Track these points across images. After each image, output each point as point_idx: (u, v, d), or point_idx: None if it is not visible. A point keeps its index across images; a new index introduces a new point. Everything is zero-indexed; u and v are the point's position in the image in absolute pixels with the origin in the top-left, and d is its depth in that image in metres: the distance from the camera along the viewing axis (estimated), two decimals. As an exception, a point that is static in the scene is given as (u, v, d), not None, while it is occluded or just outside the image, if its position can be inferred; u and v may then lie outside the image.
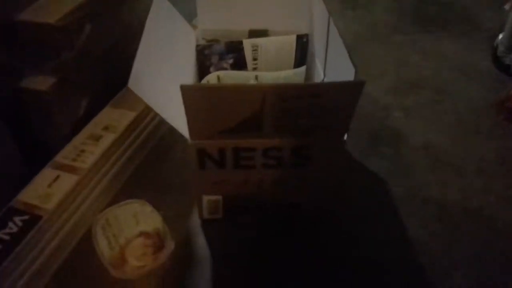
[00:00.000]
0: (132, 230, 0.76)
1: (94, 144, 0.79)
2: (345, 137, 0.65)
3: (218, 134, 0.63)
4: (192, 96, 0.55)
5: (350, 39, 1.37)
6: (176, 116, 0.63)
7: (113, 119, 0.84)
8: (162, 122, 0.96)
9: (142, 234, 0.76)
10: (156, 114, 0.90)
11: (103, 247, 0.73)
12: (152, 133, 0.92)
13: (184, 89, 0.53)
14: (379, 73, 1.22)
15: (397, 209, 0.83)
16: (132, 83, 0.55)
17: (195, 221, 0.81)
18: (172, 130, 0.96)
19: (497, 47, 1.30)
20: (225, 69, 0.88)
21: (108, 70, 0.88)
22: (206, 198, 0.75)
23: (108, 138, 0.80)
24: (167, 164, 0.92)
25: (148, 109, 0.90)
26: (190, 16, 0.93)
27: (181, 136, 0.64)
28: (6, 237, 0.62)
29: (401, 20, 1.50)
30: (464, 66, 1.28)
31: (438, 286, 0.71)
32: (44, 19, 0.69)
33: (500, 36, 1.30)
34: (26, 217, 0.66)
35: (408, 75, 1.22)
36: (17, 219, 0.65)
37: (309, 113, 0.60)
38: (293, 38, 0.89)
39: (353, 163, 0.93)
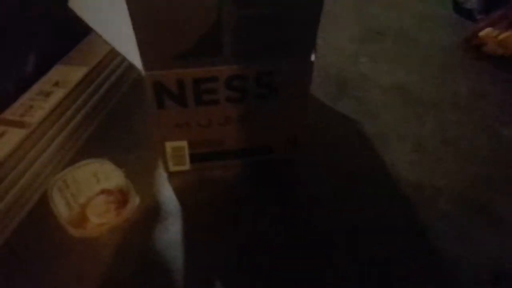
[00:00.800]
0: (92, 188, 0.70)
1: (43, 100, 0.72)
2: (313, 57, 0.61)
3: (174, 61, 0.58)
4: (140, 3, 0.49)
5: None
6: (126, 46, 0.57)
7: (64, 75, 0.78)
8: (122, 78, 0.90)
9: (104, 191, 0.70)
10: (113, 70, 0.85)
11: (61, 207, 0.67)
12: (109, 90, 0.86)
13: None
14: (340, 26, 1.20)
15: (372, 145, 0.80)
16: (72, 2, 0.50)
17: (161, 175, 0.75)
18: (132, 87, 0.91)
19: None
20: None
21: (61, 23, 0.81)
22: (169, 145, 0.70)
23: (59, 93, 0.74)
24: (128, 121, 0.86)
25: (102, 64, 0.84)
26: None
27: (140, 92, 0.59)
28: None
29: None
30: (425, 15, 1.27)
31: (424, 213, 0.68)
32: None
33: (458, -20, 1.30)
34: (-34, 174, 0.59)
35: (370, 24, 1.21)
36: (-43, 176, 0.58)
37: (272, 22, 0.55)
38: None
39: (322, 107, 0.90)
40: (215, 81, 0.61)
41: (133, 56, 0.58)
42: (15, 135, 0.65)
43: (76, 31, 0.86)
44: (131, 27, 0.52)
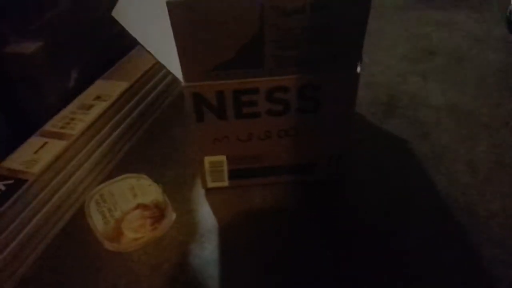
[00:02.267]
0: (128, 203, 0.69)
1: (84, 113, 0.73)
2: (358, 69, 0.58)
3: (215, 72, 0.56)
4: (181, 15, 0.48)
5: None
6: (168, 57, 0.57)
7: (105, 89, 0.79)
8: (163, 94, 0.91)
9: (140, 206, 0.68)
10: (155, 86, 0.86)
11: (97, 221, 0.66)
12: (150, 105, 0.86)
13: (171, 4, 0.47)
14: (391, 44, 1.16)
15: (423, 166, 0.74)
16: (116, 12, 0.50)
17: (199, 191, 0.73)
18: (172, 104, 0.91)
19: (511, 14, 1.23)
20: None
21: (103, 40, 0.83)
22: (208, 160, 0.67)
23: (100, 106, 0.74)
24: (167, 138, 0.85)
25: (144, 80, 0.84)
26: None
27: (181, 109, 0.58)
28: (-14, 202, 0.56)
29: (405, 1, 1.45)
30: (478, 35, 1.20)
31: (477, 238, 0.61)
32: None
33: (514, 1, 1.24)
34: (10, 181, 0.59)
35: (421, 44, 1.15)
36: (1, 183, 0.59)
37: (315, 34, 0.53)
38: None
39: (370, 126, 0.85)
40: (256, 93, 0.59)
41: (175, 67, 0.57)
42: (55, 147, 0.65)
43: (119, 48, 0.88)
44: (173, 37, 0.52)
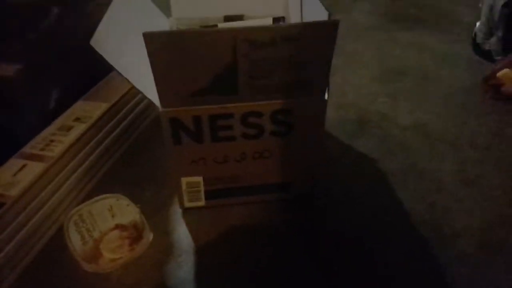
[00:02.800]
0: (107, 223, 0.70)
1: (64, 134, 0.74)
2: (326, 96, 0.62)
3: (191, 98, 0.59)
4: (157, 46, 0.51)
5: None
6: (145, 84, 0.59)
7: (85, 111, 0.80)
8: (141, 116, 0.92)
9: (118, 226, 0.70)
10: (133, 108, 0.87)
11: (76, 242, 0.67)
12: (129, 126, 0.88)
13: (147, 36, 0.50)
14: (362, 65, 1.21)
15: (391, 184, 0.78)
16: (94, 41, 0.52)
17: (176, 211, 0.75)
18: (151, 124, 0.93)
19: (476, 35, 1.30)
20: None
21: (83, 63, 0.85)
22: (185, 181, 0.70)
23: (79, 128, 0.75)
24: (145, 158, 0.87)
25: (123, 101, 0.86)
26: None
27: (159, 130, 0.61)
28: (-38, 226, 0.56)
29: (381, 21, 1.51)
30: (445, 55, 1.27)
31: (442, 254, 0.65)
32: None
33: (478, 24, 1.31)
34: (-14, 205, 0.60)
35: (391, 65, 1.21)
36: (-24, 208, 0.59)
37: (285, 65, 0.56)
38: (269, 20, 0.87)
39: (341, 145, 0.89)
40: (231, 117, 0.62)
41: (152, 93, 0.59)
42: (34, 169, 0.67)
43: (99, 69, 0.90)
44: (149, 65, 0.54)
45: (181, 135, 0.63)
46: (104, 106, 0.81)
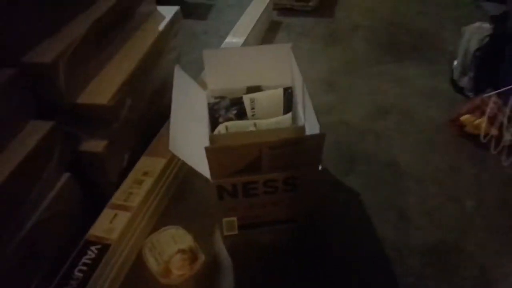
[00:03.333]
0: (171, 248, 1.02)
1: (138, 187, 1.06)
2: (320, 167, 0.92)
3: (231, 174, 0.90)
4: (213, 153, 0.82)
5: (331, 73, 1.65)
6: (200, 163, 0.90)
7: (149, 166, 1.11)
8: (184, 164, 1.23)
9: (180, 251, 1.01)
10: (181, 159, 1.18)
11: (152, 263, 0.99)
12: (178, 173, 1.19)
13: (207, 150, 0.81)
14: (356, 104, 1.49)
15: (369, 215, 1.09)
16: (172, 146, 0.83)
17: (218, 237, 1.07)
18: (191, 170, 1.24)
19: (453, 72, 1.56)
20: (231, 119, 1.15)
21: (143, 128, 1.16)
22: (224, 220, 1.01)
23: (148, 182, 1.07)
24: (191, 196, 1.18)
25: (175, 156, 1.17)
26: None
27: (199, 174, 0.91)
28: (88, 261, 0.89)
29: (374, 52, 1.77)
30: (426, 90, 1.54)
31: (397, 270, 0.96)
32: (99, 101, 0.96)
33: (455, 62, 1.57)
34: (99, 246, 0.92)
35: (379, 103, 1.49)
36: (93, 247, 0.92)
37: (292, 155, 0.87)
38: (280, 91, 1.16)
39: (335, 181, 1.19)
40: (256, 183, 0.93)
41: (202, 167, 0.90)
42: (123, 217, 0.99)
43: (153, 130, 1.21)
44: (204, 155, 0.85)
45: (223, 194, 0.94)
46: (163, 161, 1.12)
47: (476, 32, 1.50)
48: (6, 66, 0.86)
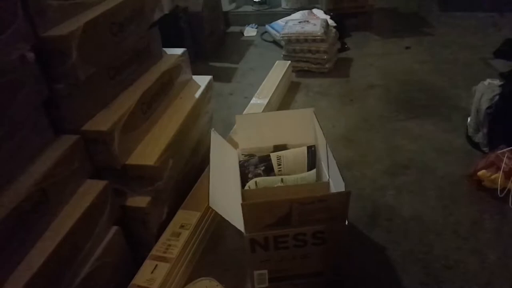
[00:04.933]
0: (206, 299, 1.08)
1: (176, 239, 1.15)
2: (346, 222, 1.00)
3: (263, 228, 0.98)
4: (248, 209, 0.91)
5: (349, 130, 1.75)
6: (235, 217, 0.98)
7: (185, 219, 1.21)
8: (216, 217, 1.32)
9: (214, 302, 1.08)
10: (212, 212, 1.28)
11: (190, 311, 1.06)
12: (210, 226, 1.28)
13: (243, 205, 0.90)
14: (375, 159, 1.57)
15: (394, 268, 1.14)
16: (211, 203, 0.93)
17: (249, 289, 1.13)
18: (222, 223, 1.32)
19: (468, 128, 1.65)
20: (260, 174, 1.25)
21: (180, 184, 1.27)
22: (256, 273, 1.08)
23: (185, 234, 1.16)
24: (222, 248, 1.26)
25: (208, 210, 1.26)
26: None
27: (230, 225, 0.99)
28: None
29: (390, 110, 1.88)
30: (443, 145, 1.62)
31: None
32: (146, 162, 1.08)
33: (469, 119, 1.65)
34: (140, 296, 1.00)
35: (397, 158, 1.57)
36: (134, 298, 1.00)
37: (320, 211, 0.95)
38: (304, 149, 1.26)
39: (359, 235, 1.25)
40: (287, 237, 1.00)
41: (236, 221, 0.98)
42: (163, 268, 1.07)
43: (190, 182, 1.31)
44: (241, 212, 0.94)
45: (255, 247, 1.02)
46: (198, 215, 1.22)
47: (486, 91, 1.59)
48: (69, 133, 0.99)
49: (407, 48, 2.40)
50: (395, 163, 1.55)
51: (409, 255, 1.18)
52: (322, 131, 1.16)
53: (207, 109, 1.48)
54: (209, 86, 1.48)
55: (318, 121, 1.21)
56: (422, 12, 2.90)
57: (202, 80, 1.48)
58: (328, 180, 1.14)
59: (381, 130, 1.75)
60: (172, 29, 2.21)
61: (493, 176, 1.32)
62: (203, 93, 1.42)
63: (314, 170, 1.24)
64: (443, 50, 2.35)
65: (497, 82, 1.61)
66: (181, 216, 1.23)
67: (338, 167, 1.01)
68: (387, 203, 1.36)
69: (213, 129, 1.19)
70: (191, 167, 1.36)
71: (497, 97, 1.54)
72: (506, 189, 1.31)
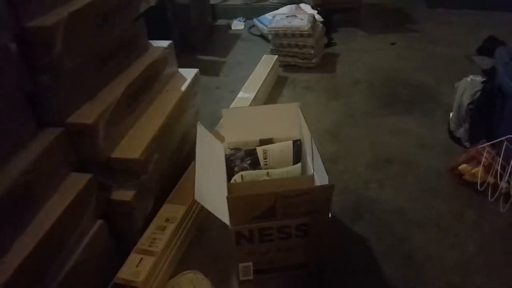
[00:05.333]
0: (191, 292, 1.09)
1: (161, 233, 1.15)
2: (329, 215, 1.01)
3: (249, 221, 0.99)
4: (233, 202, 0.92)
5: (335, 125, 1.77)
6: (220, 210, 0.99)
7: (171, 212, 1.21)
8: (201, 211, 1.33)
9: (199, 294, 1.09)
10: (198, 206, 1.28)
11: (173, 305, 1.06)
12: (196, 219, 1.28)
13: (229, 199, 0.91)
14: (359, 153, 1.60)
15: (376, 260, 1.16)
16: (197, 196, 0.93)
17: (234, 282, 1.14)
18: (207, 217, 1.32)
19: (450, 123, 1.68)
20: (246, 168, 1.26)
21: (165, 178, 1.27)
22: (241, 265, 1.09)
23: (170, 228, 1.16)
24: (208, 242, 1.26)
25: (193, 203, 1.27)
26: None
27: (216, 219, 0.99)
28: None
29: (375, 105, 1.90)
30: (425, 140, 1.65)
31: None
32: (131, 156, 1.08)
33: (451, 114, 1.69)
34: (126, 288, 1.00)
35: (381, 152, 1.59)
36: (120, 290, 1.00)
37: (304, 204, 0.96)
38: (290, 143, 1.27)
39: (344, 228, 1.27)
40: (272, 229, 1.02)
41: (222, 214, 0.99)
42: (148, 261, 1.07)
43: (176, 176, 1.31)
44: (226, 206, 0.95)
45: (240, 240, 1.03)
46: (183, 208, 1.22)
47: (468, 87, 1.63)
48: (53, 126, 0.98)
49: (392, 44, 2.43)
50: (378, 157, 1.57)
51: (391, 247, 1.20)
52: (308, 125, 1.17)
53: (193, 103, 1.47)
54: (195, 80, 1.48)
55: (303, 116, 1.22)
56: (408, 8, 2.93)
57: (189, 73, 1.48)
58: (313, 173, 1.15)
59: (365, 125, 1.77)
60: (159, 21, 2.19)
61: (473, 170, 1.36)
62: (189, 87, 1.42)
63: (299, 164, 1.25)
64: (428, 46, 2.38)
65: (479, 78, 1.65)
66: (166, 209, 1.23)
67: (322, 161, 1.02)
68: (370, 197, 1.39)
69: (199, 122, 1.20)
70: (177, 160, 1.36)
71: (478, 93, 1.57)
72: (486, 183, 1.34)
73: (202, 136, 1.15)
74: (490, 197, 1.32)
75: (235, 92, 1.89)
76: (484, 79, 1.62)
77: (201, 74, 1.58)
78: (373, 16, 2.85)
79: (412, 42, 2.45)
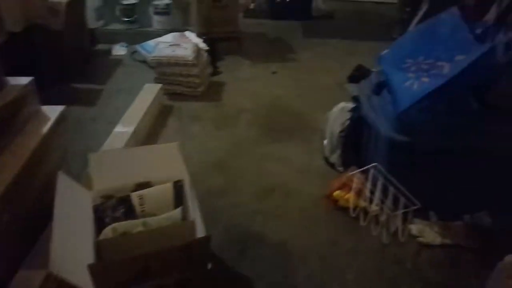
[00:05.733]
0: None
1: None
2: (209, 266, 0.97)
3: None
4: (97, 271, 0.82)
5: (221, 156, 1.76)
6: (85, 279, 0.88)
7: (27, 280, 1.03)
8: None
9: None
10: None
11: None
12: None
13: (90, 268, 0.81)
14: (245, 185, 1.60)
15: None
16: (52, 266, 0.81)
17: None
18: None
19: (324, 149, 1.79)
20: (119, 218, 1.14)
21: (24, 234, 1.10)
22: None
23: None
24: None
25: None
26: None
27: None
28: None
29: (258, 134, 1.94)
30: (304, 167, 1.72)
31: None
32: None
33: (325, 141, 1.80)
34: None
35: (265, 182, 1.62)
36: None
37: (180, 259, 0.91)
38: (170, 185, 1.20)
39: (227, 271, 1.24)
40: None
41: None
42: None
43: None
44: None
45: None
46: (42, 274, 1.05)
47: (339, 115, 1.76)
48: None
49: (273, 73, 2.53)
50: (263, 187, 1.59)
51: (277, 284, 1.21)
52: (185, 166, 1.12)
53: (59, 144, 1.31)
54: (61, 118, 1.32)
55: (181, 157, 1.17)
56: (287, 36, 3.10)
57: (53, 111, 1.32)
58: (194, 218, 1.10)
59: (250, 155, 1.79)
60: (25, 51, 1.96)
61: (346, 196, 1.45)
62: (53, 126, 1.26)
63: (179, 208, 1.18)
64: (305, 75, 2.54)
65: (350, 105, 1.78)
66: (20, 278, 1.05)
67: (200, 206, 0.97)
68: (255, 231, 1.39)
69: (61, 171, 1.06)
70: (36, 218, 1.18)
71: (347, 122, 1.70)
72: (358, 208, 1.44)
73: (63, 187, 1.02)
74: (363, 221, 1.42)
75: (112, 124, 1.76)
76: (354, 105, 1.76)
77: (75, 104, 1.44)
78: (255, 45, 2.95)
79: (292, 70, 2.59)
